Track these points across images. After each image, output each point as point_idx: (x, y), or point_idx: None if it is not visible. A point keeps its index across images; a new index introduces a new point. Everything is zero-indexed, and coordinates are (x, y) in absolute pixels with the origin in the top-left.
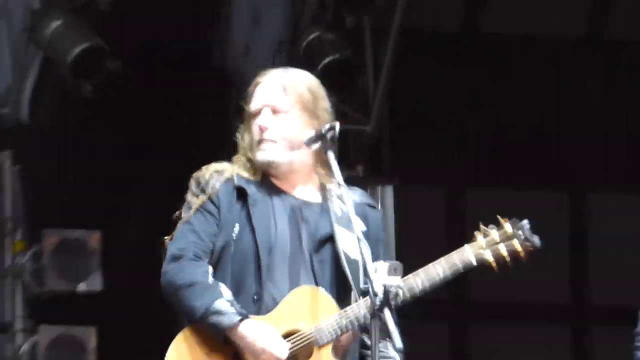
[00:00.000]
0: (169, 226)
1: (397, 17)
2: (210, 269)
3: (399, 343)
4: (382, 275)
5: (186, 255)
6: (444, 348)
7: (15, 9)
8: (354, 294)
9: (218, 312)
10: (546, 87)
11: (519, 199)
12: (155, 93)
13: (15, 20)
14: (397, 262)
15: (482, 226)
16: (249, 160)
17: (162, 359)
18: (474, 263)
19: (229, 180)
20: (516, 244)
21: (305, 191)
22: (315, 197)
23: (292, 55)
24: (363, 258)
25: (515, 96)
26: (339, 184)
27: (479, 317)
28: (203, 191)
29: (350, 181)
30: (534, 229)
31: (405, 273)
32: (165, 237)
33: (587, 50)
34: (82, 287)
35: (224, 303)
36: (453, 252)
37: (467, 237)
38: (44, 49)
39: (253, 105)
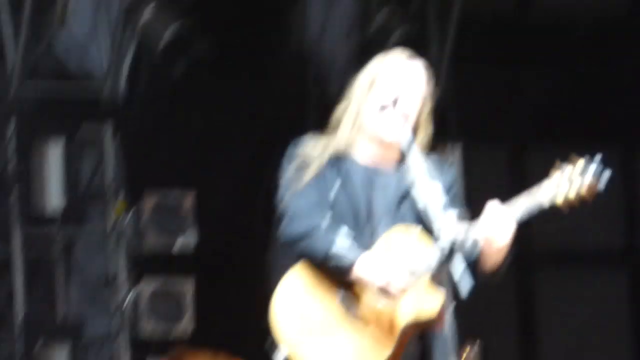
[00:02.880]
0: (258, 187)
1: None
2: (329, 214)
3: (465, 289)
4: (451, 225)
5: (298, 209)
6: (510, 295)
7: None
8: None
9: (337, 256)
10: (602, 50)
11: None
12: (240, 69)
13: (113, 2)
14: (464, 213)
15: (557, 163)
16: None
17: (255, 309)
18: (556, 197)
19: (327, 149)
20: (587, 180)
21: (388, 161)
22: (394, 165)
23: (365, 32)
24: (434, 208)
25: (573, 58)
26: (416, 148)
27: (543, 264)
28: (299, 155)
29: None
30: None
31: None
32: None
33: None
34: (179, 243)
35: (343, 244)
36: (534, 187)
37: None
38: (139, 30)
39: (398, 87)
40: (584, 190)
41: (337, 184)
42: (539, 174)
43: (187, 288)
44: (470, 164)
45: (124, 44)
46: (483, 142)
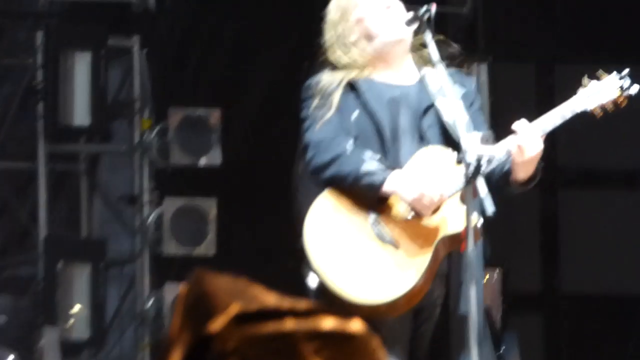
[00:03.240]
0: (283, 106)
1: None
2: (352, 140)
3: (490, 208)
4: (475, 144)
5: (325, 138)
6: (533, 216)
7: None
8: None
9: (368, 173)
10: None
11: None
12: None
13: None
14: (489, 132)
15: (584, 79)
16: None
17: (273, 229)
18: (581, 109)
19: (346, 73)
20: (615, 93)
21: (406, 74)
22: (412, 79)
23: None
24: (457, 128)
25: None
26: (434, 61)
27: (567, 184)
28: (317, 88)
29: (447, 59)
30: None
31: (497, 142)
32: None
33: None
34: (203, 161)
35: (371, 163)
36: (571, 98)
37: None
38: None
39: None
40: (612, 103)
41: (358, 108)
42: (568, 91)
43: (211, 207)
44: (498, 81)
45: None
46: (511, 59)
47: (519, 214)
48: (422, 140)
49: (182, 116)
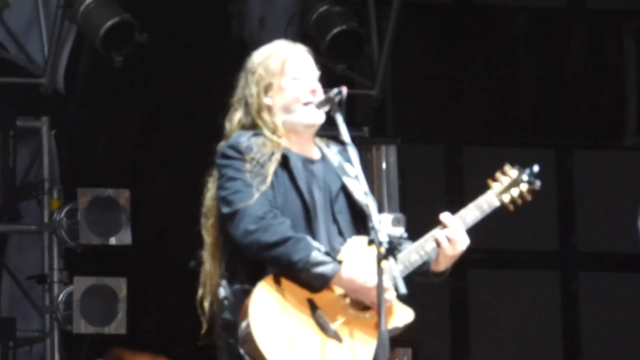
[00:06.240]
0: (192, 186)
1: None
2: (289, 221)
3: (403, 289)
4: (387, 227)
5: (267, 214)
6: (445, 298)
7: None
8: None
9: (319, 263)
10: (532, 52)
11: (510, 154)
12: (179, 63)
13: None
14: (401, 215)
15: (496, 174)
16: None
17: (184, 307)
18: (498, 204)
19: (274, 145)
20: (523, 188)
21: (312, 151)
22: (318, 155)
23: (304, 26)
24: (369, 210)
25: (505, 61)
26: (344, 143)
27: (475, 265)
28: (249, 155)
29: (356, 141)
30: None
31: (408, 225)
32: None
33: (571, 18)
34: (112, 241)
35: (320, 253)
36: (479, 197)
37: (465, 191)
38: (78, 24)
39: (295, 72)
40: (520, 197)
41: (287, 184)
42: (477, 172)
43: (121, 287)
44: (407, 162)
45: (62, 37)
46: (419, 141)
47: (430, 294)
48: (334, 222)
49: (91, 196)
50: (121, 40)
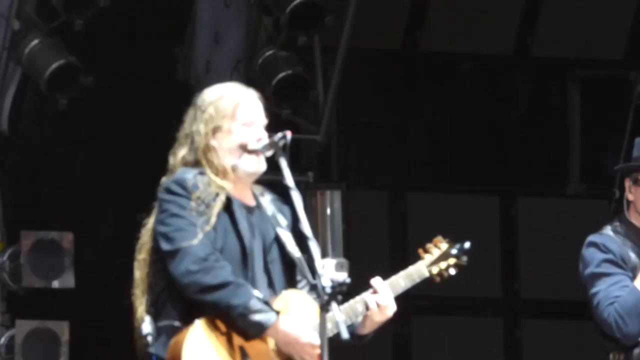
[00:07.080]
0: (136, 229)
1: (344, 37)
2: (230, 266)
3: (345, 334)
4: (330, 272)
5: (209, 256)
6: (389, 345)
7: None
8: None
9: (258, 311)
10: (478, 99)
11: (455, 201)
12: (124, 106)
13: None
14: (344, 260)
15: (427, 245)
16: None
17: (129, 351)
18: (427, 275)
19: (218, 187)
20: (451, 262)
21: (249, 197)
22: (253, 202)
23: (250, 71)
24: (312, 255)
25: (450, 108)
26: (289, 187)
27: (418, 310)
28: (195, 193)
29: (301, 186)
30: (467, 230)
31: (351, 270)
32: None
33: (516, 66)
34: (56, 284)
35: (259, 302)
36: (410, 267)
37: (408, 238)
38: (23, 66)
39: (246, 118)
40: (446, 270)
41: (228, 228)
42: (421, 218)
43: (64, 330)
44: (351, 208)
45: (7, 79)
46: (364, 187)
47: (372, 340)
48: (265, 272)
49: (34, 239)
50: (66, 82)
